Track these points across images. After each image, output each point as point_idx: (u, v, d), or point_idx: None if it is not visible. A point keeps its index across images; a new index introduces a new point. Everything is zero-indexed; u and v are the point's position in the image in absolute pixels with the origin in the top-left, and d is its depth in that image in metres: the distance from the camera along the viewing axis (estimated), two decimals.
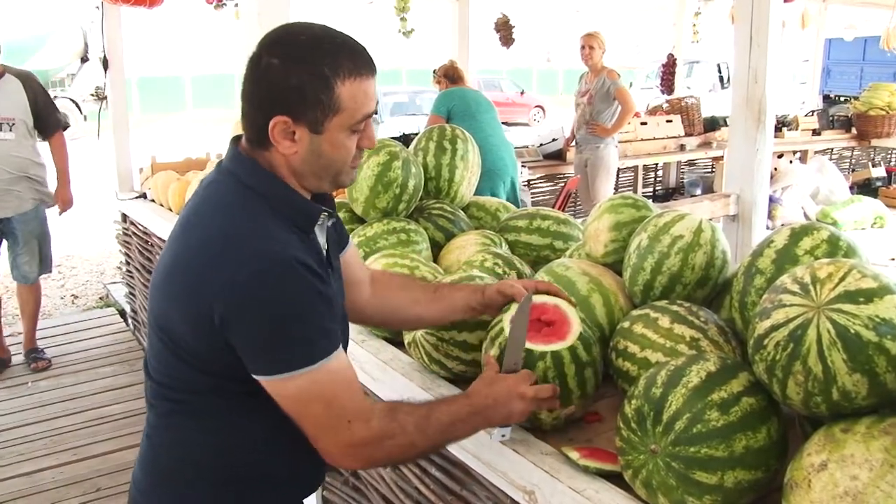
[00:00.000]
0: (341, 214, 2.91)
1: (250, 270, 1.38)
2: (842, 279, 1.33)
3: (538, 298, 1.84)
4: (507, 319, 1.80)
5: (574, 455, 1.65)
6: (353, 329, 2.35)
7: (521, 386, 1.60)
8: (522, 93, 25.95)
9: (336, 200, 3.03)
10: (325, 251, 1.62)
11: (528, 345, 1.72)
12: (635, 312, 1.93)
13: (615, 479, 1.59)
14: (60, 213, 5.22)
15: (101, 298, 6.94)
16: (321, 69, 1.42)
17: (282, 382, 1.43)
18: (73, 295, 7.10)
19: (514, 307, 1.83)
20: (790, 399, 1.37)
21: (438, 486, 2.13)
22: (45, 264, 5.13)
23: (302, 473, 1.71)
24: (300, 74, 1.42)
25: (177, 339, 1.49)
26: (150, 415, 1.66)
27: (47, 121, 5.03)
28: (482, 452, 1.85)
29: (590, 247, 2.34)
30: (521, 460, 1.73)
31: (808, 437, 1.41)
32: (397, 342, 2.36)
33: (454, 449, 1.96)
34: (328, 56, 1.43)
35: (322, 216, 1.59)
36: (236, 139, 1.58)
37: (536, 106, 26.07)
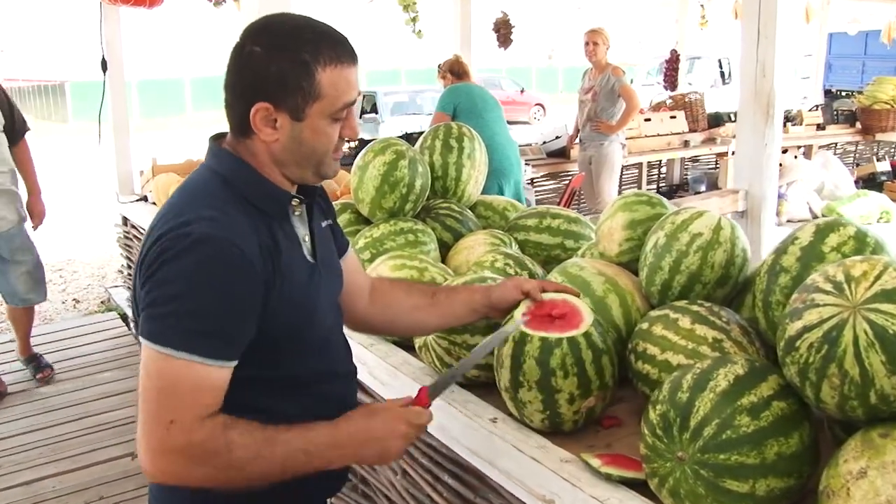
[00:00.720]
0: (346, 216, 2.89)
1: (170, 236, 1.37)
2: (878, 277, 1.28)
3: (546, 296, 1.84)
4: (518, 315, 1.79)
5: (595, 462, 1.59)
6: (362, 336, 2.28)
7: (401, 421, 1.50)
8: (522, 91, 25.96)
9: (341, 201, 3.05)
10: (306, 243, 1.59)
11: (545, 334, 1.71)
12: (654, 313, 1.87)
13: (639, 487, 1.53)
14: (35, 228, 4.88)
15: (102, 302, 6.88)
16: (302, 55, 1.42)
17: (143, 347, 1.36)
18: (74, 299, 7.04)
19: (525, 304, 1.82)
20: (824, 403, 1.31)
21: (451, 493, 2.08)
22: (42, 287, 4.84)
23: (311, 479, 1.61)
24: (281, 61, 1.42)
25: None
26: None
27: (14, 126, 4.63)
28: (498, 459, 1.80)
29: (603, 246, 2.28)
30: (538, 468, 1.67)
31: (841, 441, 1.36)
32: (407, 346, 2.31)
33: (466, 454, 1.92)
34: (309, 43, 1.44)
35: (294, 202, 1.57)
36: (215, 137, 1.59)
37: (537, 104, 26.15)
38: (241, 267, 1.37)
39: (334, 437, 1.46)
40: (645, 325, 1.85)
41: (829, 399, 1.29)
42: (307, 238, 1.60)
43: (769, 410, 1.35)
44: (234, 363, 1.40)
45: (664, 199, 2.29)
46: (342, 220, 2.85)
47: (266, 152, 1.50)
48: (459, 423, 1.92)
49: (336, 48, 1.46)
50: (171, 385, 1.33)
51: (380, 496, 2.56)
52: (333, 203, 1.88)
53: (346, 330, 1.80)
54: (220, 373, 1.37)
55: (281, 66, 1.42)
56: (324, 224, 1.71)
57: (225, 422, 1.36)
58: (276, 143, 1.48)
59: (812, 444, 1.39)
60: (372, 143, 2.91)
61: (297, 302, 1.51)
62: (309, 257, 1.58)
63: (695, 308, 1.81)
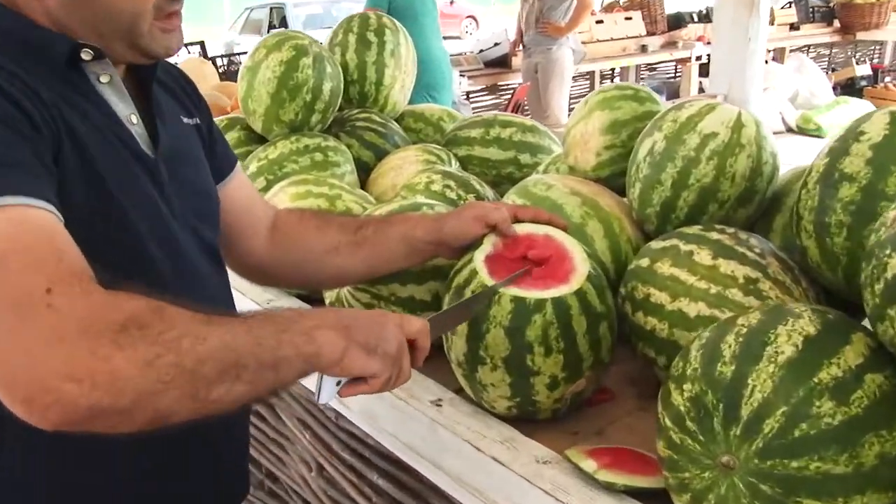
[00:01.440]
0: (234, 134, 2.59)
1: None
2: None
3: (521, 228, 1.47)
4: (479, 259, 1.41)
5: (589, 465, 1.21)
6: (257, 286, 1.97)
7: (389, 315, 1.17)
8: (452, 2, 25.53)
9: (228, 116, 2.64)
10: (136, 126, 1.26)
11: (520, 292, 1.33)
12: (656, 245, 1.49)
13: (654, 498, 1.16)
14: None
15: None
16: None
17: None
18: None
19: (489, 241, 1.45)
20: None
21: (382, 498, 1.78)
22: None
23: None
24: None
25: None
26: None
27: None
28: (444, 458, 1.45)
29: (575, 157, 1.92)
30: (504, 472, 1.31)
31: None
32: (317, 300, 1.96)
33: (401, 451, 1.58)
34: None
35: (85, 55, 1.19)
36: None
37: (468, 16, 25.94)
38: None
39: (295, 316, 1.09)
40: (644, 262, 1.47)
41: None
42: (135, 119, 1.26)
43: (862, 389, 0.97)
44: (61, 216, 1.02)
45: (654, 94, 1.92)
46: (228, 139, 2.46)
47: (41, 11, 1.17)
48: (388, 408, 1.55)
49: None
50: (9, 244, 0.94)
51: (292, 495, 2.28)
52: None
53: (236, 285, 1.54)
54: (55, 220, 1.00)
55: None
56: (185, 120, 1.42)
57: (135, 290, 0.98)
58: None
59: None
60: (264, 38, 2.52)
61: (116, 193, 1.18)
62: (145, 148, 1.26)
63: (714, 235, 1.43)
